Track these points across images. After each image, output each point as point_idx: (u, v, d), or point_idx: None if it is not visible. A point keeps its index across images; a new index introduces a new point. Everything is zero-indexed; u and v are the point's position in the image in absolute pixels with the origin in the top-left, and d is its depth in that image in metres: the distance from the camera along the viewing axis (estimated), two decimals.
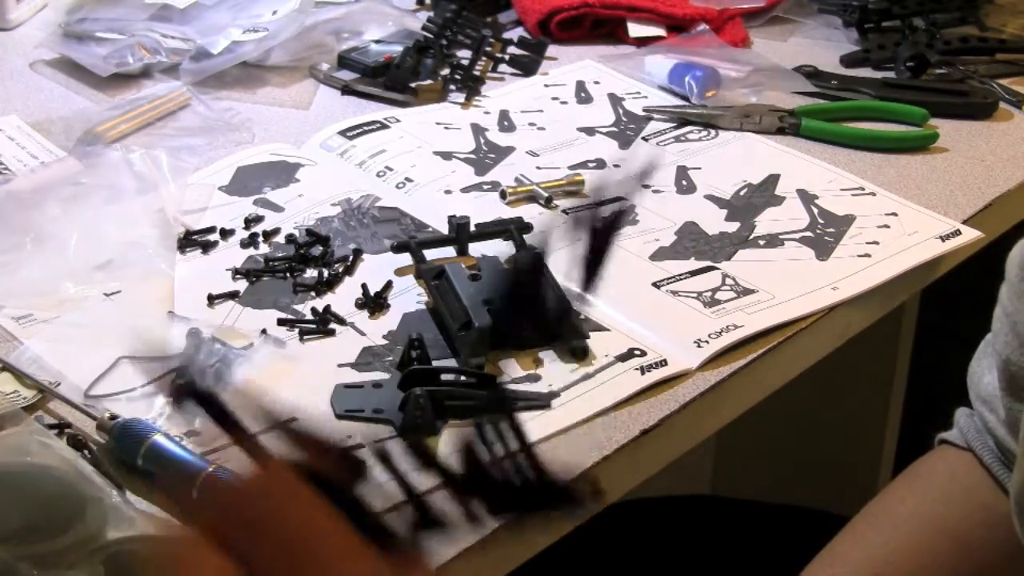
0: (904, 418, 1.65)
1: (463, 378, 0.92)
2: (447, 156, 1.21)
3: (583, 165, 1.20)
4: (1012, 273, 0.91)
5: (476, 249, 1.07)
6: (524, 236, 1.07)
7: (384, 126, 1.24)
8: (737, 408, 0.99)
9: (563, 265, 1.03)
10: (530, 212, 1.12)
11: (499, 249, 1.06)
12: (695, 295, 1.02)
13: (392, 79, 1.31)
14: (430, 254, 1.05)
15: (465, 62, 1.36)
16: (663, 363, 0.95)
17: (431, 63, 1.34)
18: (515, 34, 1.43)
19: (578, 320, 0.98)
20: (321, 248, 1.06)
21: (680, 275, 1.05)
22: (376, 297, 1.01)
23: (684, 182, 1.18)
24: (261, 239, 1.08)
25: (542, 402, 0.91)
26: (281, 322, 0.98)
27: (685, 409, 0.93)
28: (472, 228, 1.07)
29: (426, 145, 1.22)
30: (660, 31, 1.44)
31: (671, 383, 0.94)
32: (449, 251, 1.07)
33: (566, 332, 0.96)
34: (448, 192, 1.15)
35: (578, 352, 0.96)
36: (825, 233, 1.11)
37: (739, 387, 0.97)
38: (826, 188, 1.18)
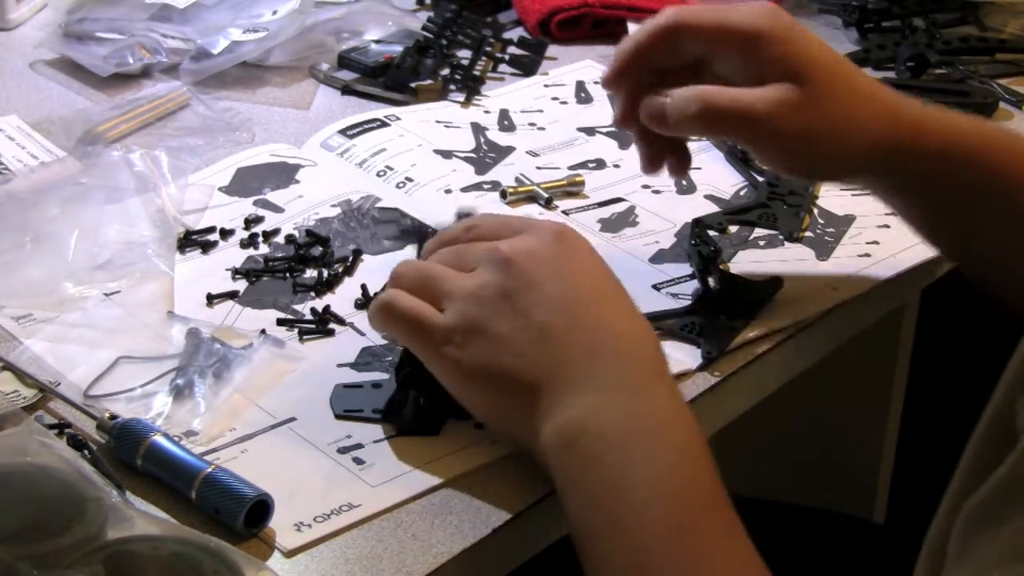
0: (904, 418, 1.65)
1: None
2: (447, 155, 1.21)
3: (583, 165, 1.20)
4: None
5: None
6: None
7: (384, 124, 1.24)
8: (737, 408, 0.99)
9: None
10: (530, 212, 1.12)
11: None
12: (695, 297, 1.02)
13: (392, 79, 1.31)
14: None
15: (465, 62, 1.36)
16: None
17: (431, 63, 1.34)
18: (515, 34, 1.43)
19: None
20: (321, 249, 1.06)
21: (680, 278, 1.05)
22: (375, 297, 1.01)
23: (684, 182, 1.18)
24: (261, 239, 1.08)
25: None
26: (280, 322, 0.98)
27: None
28: None
29: (426, 143, 1.22)
30: None
31: None
32: None
33: None
34: (448, 192, 1.15)
35: None
36: (825, 233, 1.11)
37: (739, 387, 0.97)
38: (826, 188, 1.18)
